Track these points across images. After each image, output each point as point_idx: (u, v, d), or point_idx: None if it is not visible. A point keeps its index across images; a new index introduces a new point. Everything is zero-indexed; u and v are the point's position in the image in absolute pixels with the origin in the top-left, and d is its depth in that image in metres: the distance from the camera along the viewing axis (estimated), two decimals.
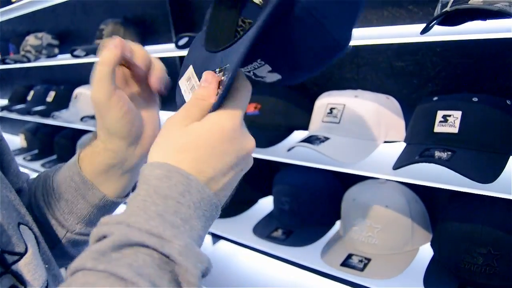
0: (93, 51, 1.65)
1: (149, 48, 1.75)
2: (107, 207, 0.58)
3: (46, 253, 0.50)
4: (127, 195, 0.61)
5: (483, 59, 1.00)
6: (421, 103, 1.01)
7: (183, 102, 0.48)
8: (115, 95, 0.48)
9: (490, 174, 0.82)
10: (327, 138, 1.06)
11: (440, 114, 0.94)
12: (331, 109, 1.11)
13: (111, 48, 0.48)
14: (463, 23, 0.86)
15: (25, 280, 0.44)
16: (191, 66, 0.50)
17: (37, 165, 2.38)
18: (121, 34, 1.70)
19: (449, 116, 0.92)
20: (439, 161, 0.84)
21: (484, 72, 1.00)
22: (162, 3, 1.61)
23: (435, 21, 0.78)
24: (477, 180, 0.81)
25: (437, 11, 0.87)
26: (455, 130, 0.91)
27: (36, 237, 0.49)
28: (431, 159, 0.86)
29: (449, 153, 0.87)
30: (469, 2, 0.78)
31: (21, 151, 2.67)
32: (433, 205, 1.15)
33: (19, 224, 0.47)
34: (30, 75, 2.68)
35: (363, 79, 1.20)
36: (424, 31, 0.80)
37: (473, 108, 0.91)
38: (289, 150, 1.09)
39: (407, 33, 0.96)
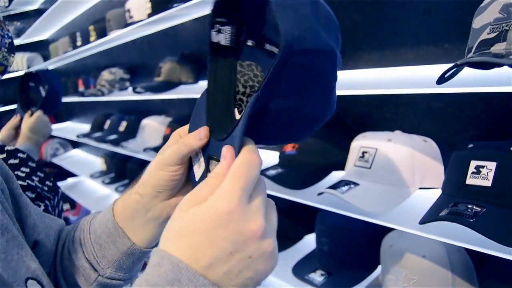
0: (149, 89, 1.77)
1: (204, 83, 1.83)
2: (136, 255, 0.62)
3: None
4: (154, 246, 0.65)
5: None
6: (457, 149, 0.94)
7: None
8: (176, 169, 0.54)
9: None
10: (356, 184, 1.03)
11: (473, 164, 0.86)
12: (363, 153, 1.08)
13: (199, 139, 0.52)
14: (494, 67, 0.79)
15: None
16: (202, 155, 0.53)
17: (112, 188, 2.58)
18: (177, 71, 1.79)
19: (483, 167, 0.85)
20: (462, 221, 0.77)
21: None
22: None
23: (449, 72, 0.73)
24: (505, 243, 0.73)
25: (465, 55, 0.82)
26: (488, 183, 0.83)
27: None
28: (455, 217, 0.79)
29: (478, 209, 0.80)
30: (491, 49, 0.73)
31: (101, 173, 2.92)
32: (480, 256, 1.05)
33: (27, 279, 0.50)
34: (109, 105, 2.91)
35: (401, 119, 1.14)
36: (440, 81, 0.75)
37: (510, 159, 0.83)
38: (319, 194, 1.07)
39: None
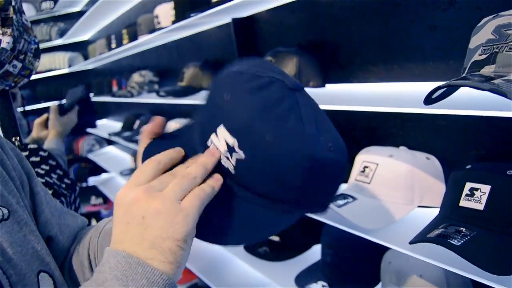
0: (171, 93, 1.82)
1: None
2: None
3: None
4: None
5: None
6: (455, 170, 0.92)
7: None
8: None
9: (510, 263, 0.73)
10: (354, 199, 1.03)
11: (468, 186, 0.85)
12: (365, 167, 1.08)
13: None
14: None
15: None
16: None
17: None
18: (199, 76, 1.84)
19: (477, 190, 0.83)
20: (448, 244, 0.76)
21: None
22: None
23: (437, 93, 0.73)
24: (489, 270, 0.71)
25: (460, 74, 0.81)
26: (480, 206, 0.81)
27: (54, 282, 0.57)
28: (441, 240, 0.78)
29: (467, 233, 0.79)
30: (481, 71, 0.72)
31: (130, 171, 3.01)
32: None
33: (39, 271, 0.55)
34: (141, 105, 3.01)
35: (407, 135, 1.13)
36: (427, 102, 0.74)
37: (505, 183, 0.80)
38: None
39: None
